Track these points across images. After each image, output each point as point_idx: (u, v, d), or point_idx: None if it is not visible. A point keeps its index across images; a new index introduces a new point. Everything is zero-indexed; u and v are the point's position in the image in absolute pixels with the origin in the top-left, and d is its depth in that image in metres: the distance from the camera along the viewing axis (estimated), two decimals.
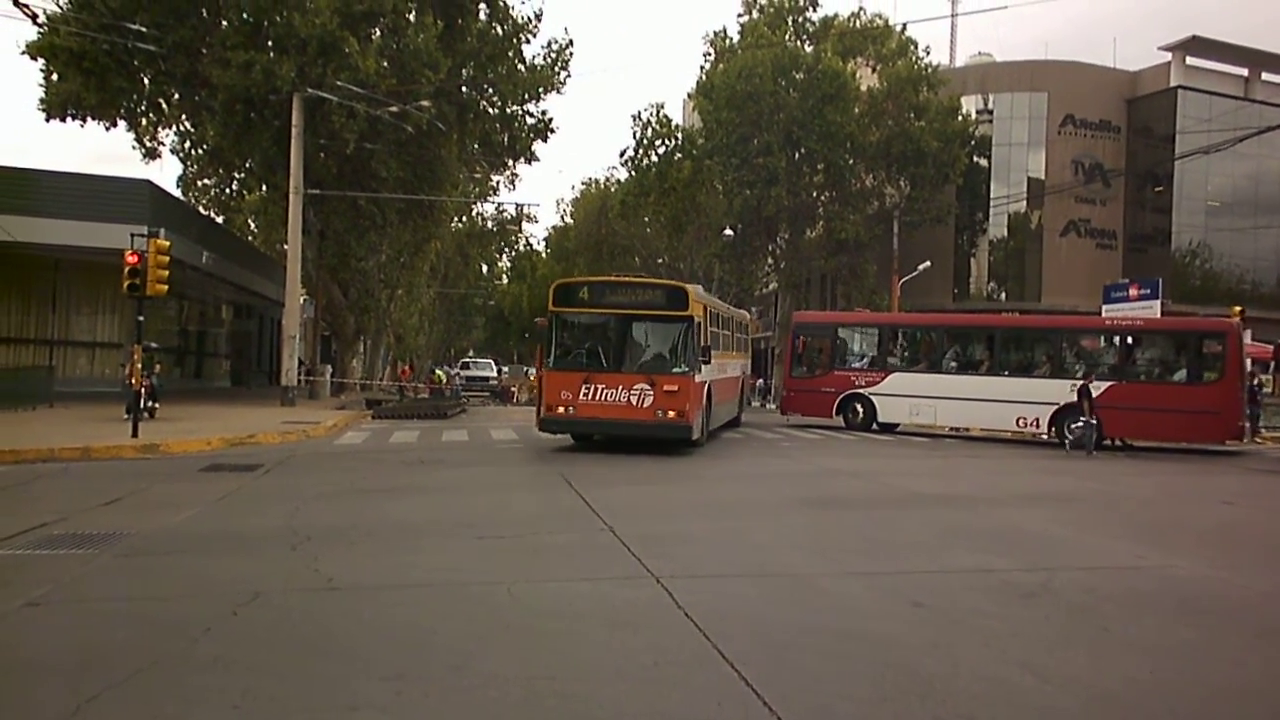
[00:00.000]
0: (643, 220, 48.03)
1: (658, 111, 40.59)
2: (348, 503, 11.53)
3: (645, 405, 16.54)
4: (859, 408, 24.60)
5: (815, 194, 42.27)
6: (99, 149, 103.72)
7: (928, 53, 42.67)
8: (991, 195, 45.57)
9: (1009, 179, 45.81)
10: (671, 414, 16.53)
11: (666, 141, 40.90)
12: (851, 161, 40.78)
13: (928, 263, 40.54)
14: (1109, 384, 21.68)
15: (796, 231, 43.34)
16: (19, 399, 22.62)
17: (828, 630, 6.35)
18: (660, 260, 49.82)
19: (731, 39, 43.34)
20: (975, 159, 44.80)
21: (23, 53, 26.45)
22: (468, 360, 64.94)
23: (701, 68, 43.66)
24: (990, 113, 46.19)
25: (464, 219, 52.98)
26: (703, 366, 17.17)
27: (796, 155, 40.42)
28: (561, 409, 16.91)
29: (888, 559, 8.95)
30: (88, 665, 5.40)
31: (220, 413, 24.06)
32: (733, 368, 23.00)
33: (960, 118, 42.11)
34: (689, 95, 46.57)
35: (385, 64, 26.98)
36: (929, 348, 24.68)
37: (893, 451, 19.90)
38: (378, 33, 28.01)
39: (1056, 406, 21.95)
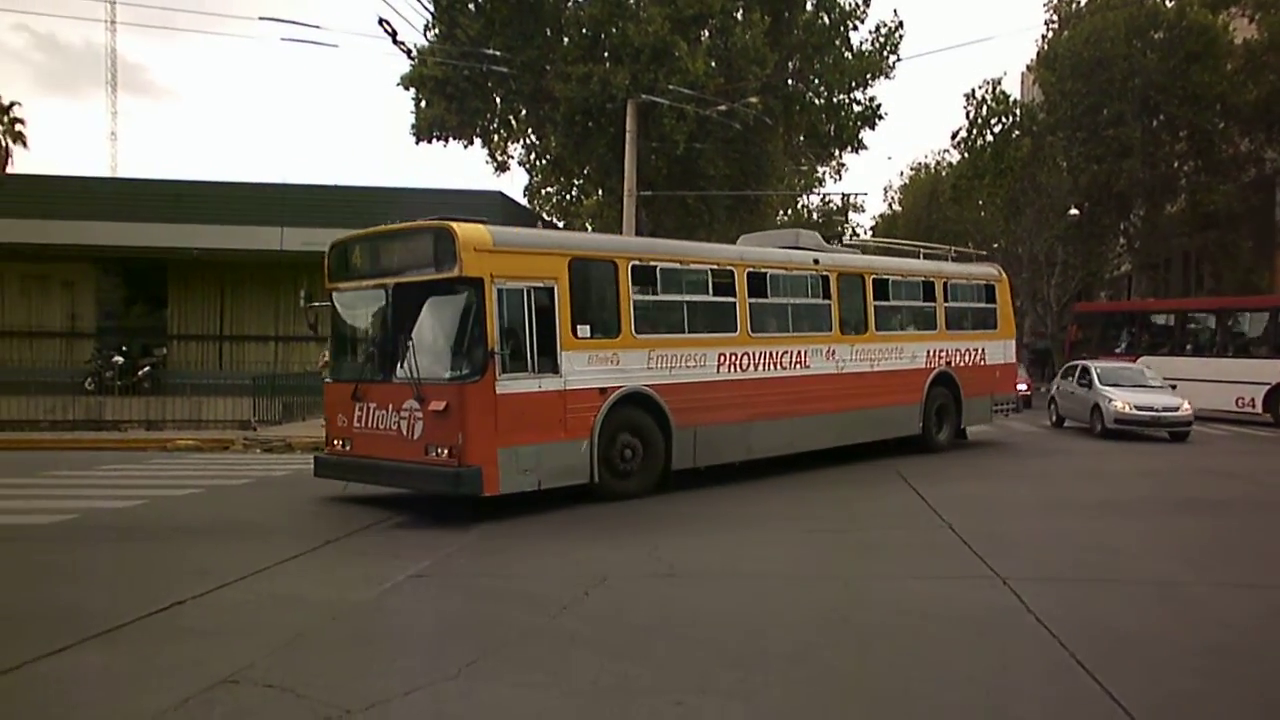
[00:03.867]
0: (976, 203, 45.70)
1: (993, 88, 38.39)
2: (680, 492, 11.89)
3: (416, 436, 9.97)
4: None
5: (1177, 164, 38.16)
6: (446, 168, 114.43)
7: None
8: None
9: None
10: (444, 451, 9.70)
11: (1003, 119, 38.57)
12: (1222, 125, 36.37)
13: None
14: None
15: (1154, 207, 39.36)
16: None
17: (1205, 647, 5.72)
18: (996, 245, 47.23)
19: (1078, 3, 40.15)
20: None
21: (397, 84, 29.96)
22: None
23: (1043, 36, 40.78)
24: None
25: (790, 212, 53.12)
26: (506, 364, 9.82)
27: (1154, 123, 36.69)
28: (338, 441, 11.03)
29: (1274, 570, 7.91)
30: (465, 633, 5.97)
31: None
32: (891, 352, 14.87)
33: None
34: (1028, 68, 43.72)
35: (713, 64, 27.56)
36: (1168, 331, 25.16)
37: (1271, 449, 17.59)
38: (706, 34, 28.70)
39: (1269, 386, 21.43)
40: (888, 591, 7.15)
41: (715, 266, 12.44)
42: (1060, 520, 10.23)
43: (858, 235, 62.81)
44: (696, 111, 26.78)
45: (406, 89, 30.15)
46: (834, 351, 13.87)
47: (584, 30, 28.28)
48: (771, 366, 12.94)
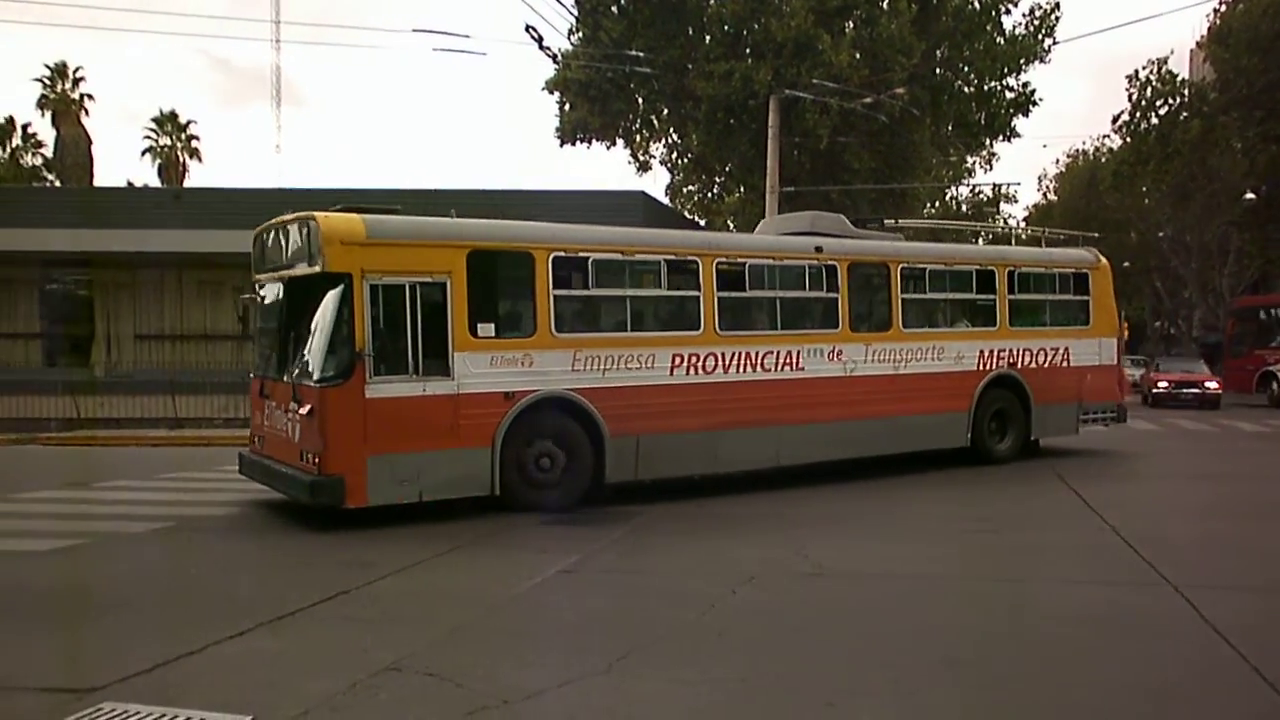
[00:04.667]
0: (1139, 191, 43.44)
1: (1159, 68, 36.38)
2: (835, 490, 11.69)
3: (296, 439, 9.49)
4: (1274, 385, 27.00)
5: None
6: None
7: None
8: None
9: None
10: (312, 457, 9.15)
11: (1170, 100, 36.50)
12: None
13: None
14: None
15: None
16: None
17: None
18: (1161, 233, 44.75)
19: None
20: None
21: (542, 89, 30.69)
22: None
23: (1215, 11, 38.38)
24: None
25: (937, 204, 51.69)
26: (380, 366, 9.09)
27: None
28: (255, 439, 10.84)
29: None
30: (614, 628, 6.04)
31: None
32: (926, 352, 12.83)
33: None
34: (1198, 45, 41.18)
35: (858, 55, 27.12)
36: None
37: None
38: (850, 25, 28.25)
39: None
40: (1049, 595, 6.87)
41: (672, 257, 11.08)
42: (1238, 525, 9.61)
43: (1010, 227, 60.49)
44: (840, 105, 26.39)
45: (551, 93, 30.89)
46: (841, 352, 12.07)
47: (725, 27, 28.27)
48: (749, 369, 11.37)
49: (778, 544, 8.58)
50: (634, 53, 26.26)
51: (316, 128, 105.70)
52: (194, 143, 53.87)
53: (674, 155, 38.31)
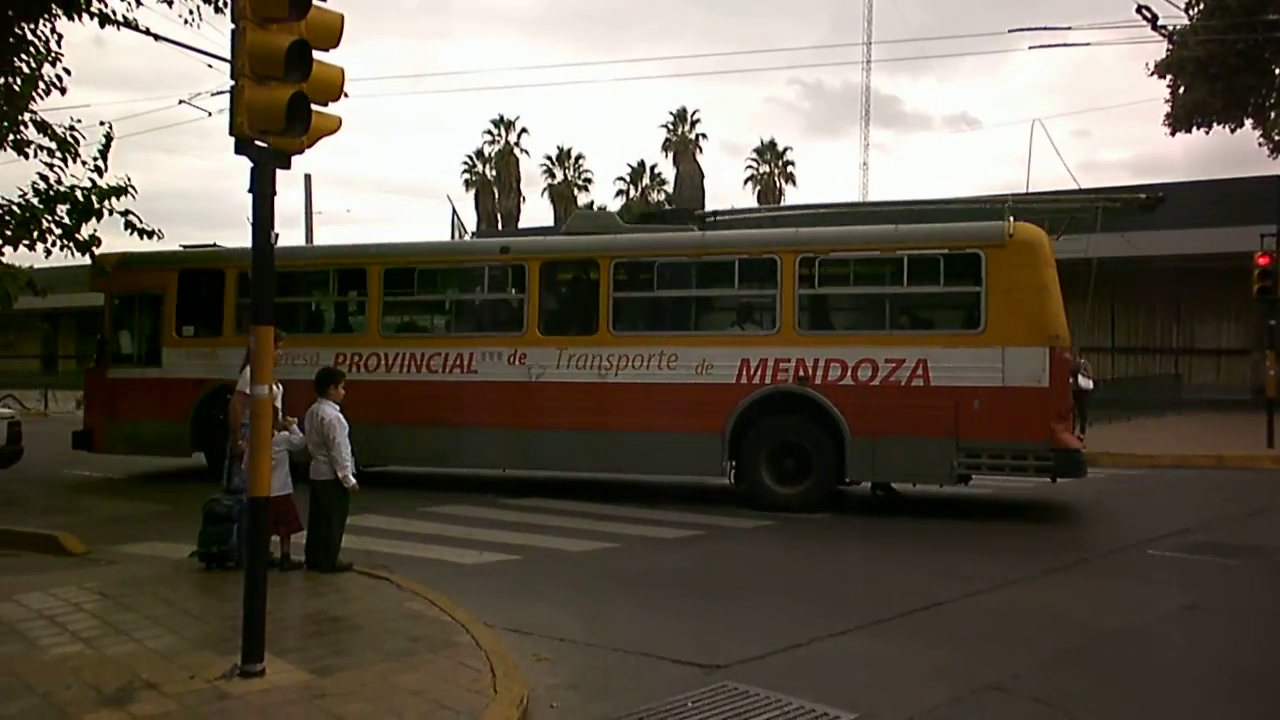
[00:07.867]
0: None
1: None
2: None
3: None
4: None
5: None
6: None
7: None
8: None
9: None
10: None
11: None
12: None
13: None
14: None
15: None
16: (1147, 406, 23.68)
17: None
18: None
19: None
20: None
21: (1151, 74, 27.78)
22: None
23: None
24: None
25: None
26: (118, 356, 13.86)
27: None
28: None
29: None
30: (1255, 681, 5.20)
31: None
32: (649, 359, 11.07)
33: None
34: None
35: None
36: None
37: None
38: None
39: None
40: None
41: (340, 268, 12.91)
42: None
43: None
44: None
45: (1161, 76, 27.94)
46: (524, 356, 11.53)
47: None
48: (415, 370, 12.03)
49: None
50: (1272, 17, 22.82)
51: (911, 142, 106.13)
52: (789, 168, 57.96)
53: None
